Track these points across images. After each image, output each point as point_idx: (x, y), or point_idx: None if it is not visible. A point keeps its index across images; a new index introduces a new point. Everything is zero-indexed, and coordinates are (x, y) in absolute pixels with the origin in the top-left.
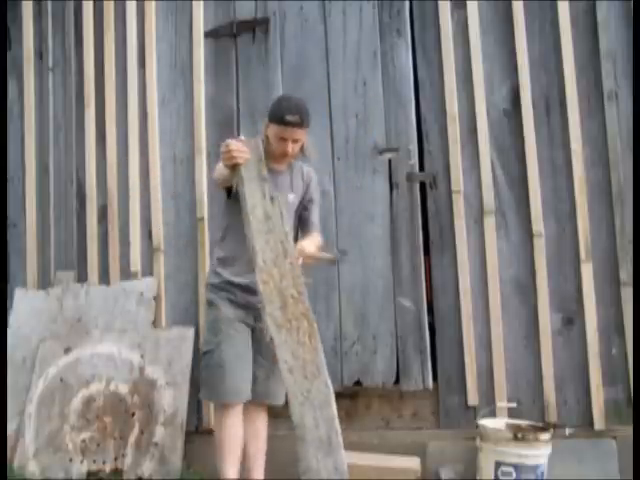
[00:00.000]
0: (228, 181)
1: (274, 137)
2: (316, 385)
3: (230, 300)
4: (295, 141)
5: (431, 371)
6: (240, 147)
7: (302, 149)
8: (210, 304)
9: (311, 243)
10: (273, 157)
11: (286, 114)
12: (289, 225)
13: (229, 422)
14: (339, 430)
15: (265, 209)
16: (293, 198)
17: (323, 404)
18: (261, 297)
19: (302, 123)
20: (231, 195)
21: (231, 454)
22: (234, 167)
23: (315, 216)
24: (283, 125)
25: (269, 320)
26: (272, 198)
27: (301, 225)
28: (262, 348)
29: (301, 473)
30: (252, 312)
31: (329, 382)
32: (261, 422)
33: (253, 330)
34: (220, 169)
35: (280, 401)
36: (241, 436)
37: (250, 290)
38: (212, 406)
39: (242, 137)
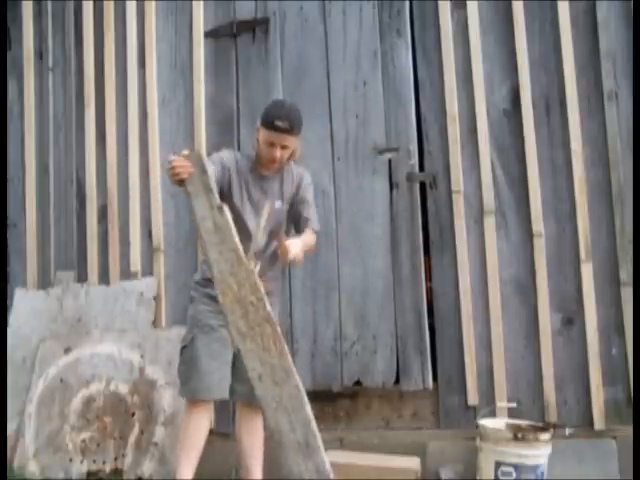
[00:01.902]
0: None
1: (264, 142)
2: (287, 390)
3: (210, 296)
4: (284, 147)
5: (431, 371)
6: (182, 162)
7: (292, 156)
8: (191, 300)
9: (297, 242)
10: (262, 163)
11: (276, 119)
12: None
13: (195, 420)
14: (317, 432)
15: (214, 220)
16: (280, 205)
17: (297, 408)
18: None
19: (291, 130)
20: None
21: (190, 452)
22: (181, 183)
23: (308, 212)
24: (272, 130)
25: (233, 331)
26: (220, 208)
27: (294, 223)
28: None
29: (284, 477)
30: None
31: (300, 385)
32: (256, 421)
33: None
34: None
35: None
36: (205, 435)
37: None
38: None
39: (185, 152)
